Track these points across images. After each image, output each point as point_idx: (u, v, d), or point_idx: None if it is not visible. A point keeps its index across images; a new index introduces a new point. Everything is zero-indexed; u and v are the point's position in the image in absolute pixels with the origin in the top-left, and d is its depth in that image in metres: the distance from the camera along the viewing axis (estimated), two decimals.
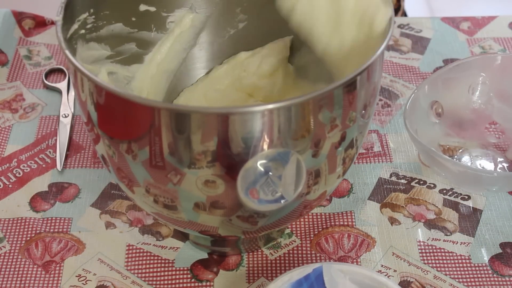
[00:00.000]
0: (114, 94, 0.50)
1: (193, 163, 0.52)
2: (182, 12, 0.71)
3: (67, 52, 0.53)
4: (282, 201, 0.56)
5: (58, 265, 0.67)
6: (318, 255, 0.68)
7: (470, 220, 0.71)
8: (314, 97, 0.49)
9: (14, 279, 0.66)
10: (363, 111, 0.56)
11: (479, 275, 0.66)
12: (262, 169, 0.52)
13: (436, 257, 0.68)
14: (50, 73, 0.88)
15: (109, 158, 0.57)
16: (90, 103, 0.54)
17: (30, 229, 0.70)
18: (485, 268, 0.67)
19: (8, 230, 0.70)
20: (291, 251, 0.68)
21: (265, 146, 0.51)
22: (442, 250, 0.68)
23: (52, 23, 0.95)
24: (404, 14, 1.14)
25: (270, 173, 0.53)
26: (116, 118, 0.53)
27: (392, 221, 0.71)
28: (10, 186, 0.74)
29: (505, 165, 0.75)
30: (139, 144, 0.52)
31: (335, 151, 0.55)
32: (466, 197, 0.73)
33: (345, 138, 0.55)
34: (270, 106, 0.48)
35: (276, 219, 0.60)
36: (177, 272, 0.67)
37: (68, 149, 0.78)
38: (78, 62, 0.52)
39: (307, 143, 0.52)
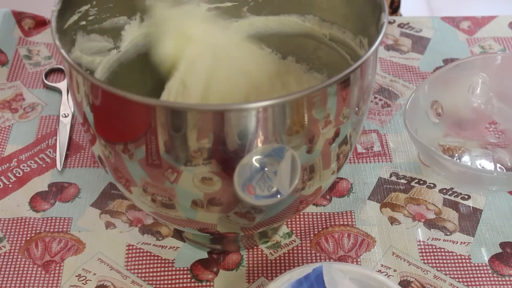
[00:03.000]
0: (108, 91, 0.50)
1: (190, 160, 0.52)
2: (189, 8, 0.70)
3: (58, 42, 0.53)
4: (278, 195, 0.56)
5: (58, 264, 0.67)
6: (318, 254, 0.68)
7: (470, 220, 0.71)
8: (308, 94, 0.50)
9: (14, 279, 0.66)
10: (357, 108, 0.56)
11: (479, 275, 0.66)
12: (257, 165, 0.52)
13: (436, 257, 0.67)
14: (50, 72, 0.88)
15: (105, 158, 0.57)
16: (85, 103, 0.54)
17: (30, 229, 0.70)
18: (485, 267, 0.67)
19: (8, 230, 0.70)
20: (291, 251, 0.68)
21: (260, 143, 0.51)
22: (442, 250, 0.68)
23: None
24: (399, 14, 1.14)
25: (266, 168, 0.53)
26: (111, 116, 0.53)
27: (392, 220, 0.71)
28: (10, 186, 0.74)
29: None
30: (135, 142, 0.52)
31: (329, 147, 0.55)
32: (466, 196, 0.73)
33: (339, 135, 0.55)
34: (265, 103, 0.48)
35: (273, 214, 0.60)
36: (177, 272, 0.67)
37: (68, 149, 0.78)
38: (64, 51, 0.52)
39: (301, 139, 0.52)
